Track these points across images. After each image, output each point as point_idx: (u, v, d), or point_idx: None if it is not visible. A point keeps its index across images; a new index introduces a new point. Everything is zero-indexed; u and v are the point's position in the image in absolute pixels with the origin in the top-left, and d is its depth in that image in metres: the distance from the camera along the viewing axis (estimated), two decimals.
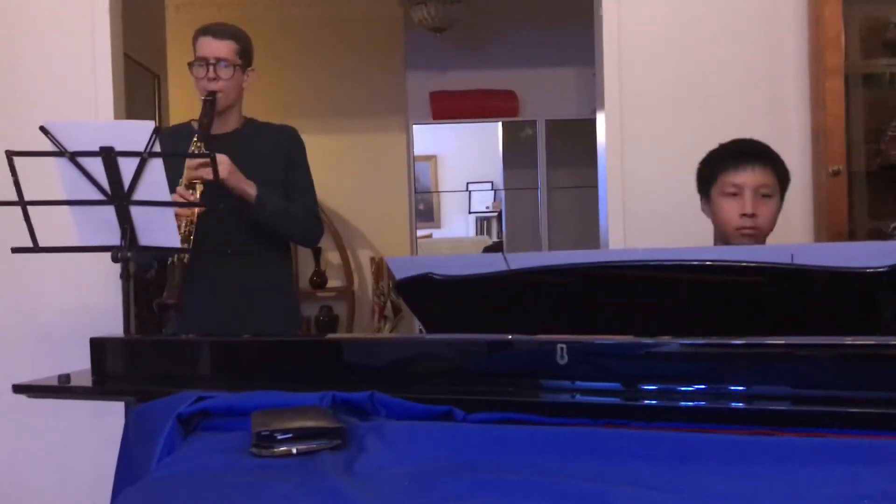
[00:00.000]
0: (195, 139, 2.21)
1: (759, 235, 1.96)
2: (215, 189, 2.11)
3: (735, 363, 1.22)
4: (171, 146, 2.21)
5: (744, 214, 1.93)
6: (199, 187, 2.13)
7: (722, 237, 2.01)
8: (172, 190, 2.04)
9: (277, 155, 2.42)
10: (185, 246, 2.11)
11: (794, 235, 2.73)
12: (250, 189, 2.26)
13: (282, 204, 2.36)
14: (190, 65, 2.33)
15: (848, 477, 0.94)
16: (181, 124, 2.50)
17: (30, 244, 1.87)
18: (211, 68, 2.28)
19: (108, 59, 2.74)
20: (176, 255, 2.10)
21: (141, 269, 3.13)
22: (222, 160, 2.18)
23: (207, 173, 2.09)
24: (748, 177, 1.94)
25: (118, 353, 1.70)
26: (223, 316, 2.34)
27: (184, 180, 2.14)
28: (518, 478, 1.00)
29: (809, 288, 1.38)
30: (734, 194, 1.95)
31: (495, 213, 5.73)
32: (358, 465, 1.07)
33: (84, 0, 2.75)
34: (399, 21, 5.45)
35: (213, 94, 2.27)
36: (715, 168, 2.00)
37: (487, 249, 5.60)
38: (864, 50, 2.77)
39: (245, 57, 2.36)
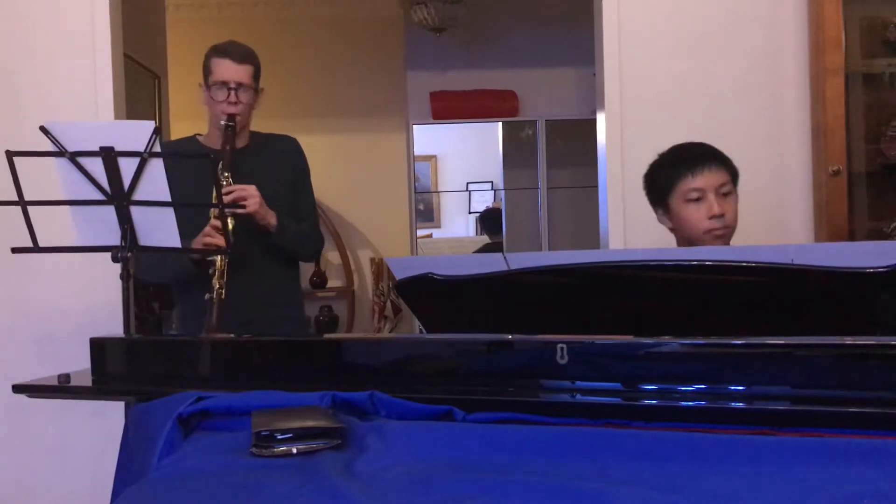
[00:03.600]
0: (220, 169, 2.21)
1: (728, 234, 1.97)
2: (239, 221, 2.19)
3: (735, 363, 1.22)
4: (184, 168, 2.20)
5: (713, 216, 1.93)
6: (231, 221, 2.16)
7: (690, 243, 1.99)
8: (190, 200, 2.10)
9: (285, 169, 2.47)
10: (195, 252, 2.16)
11: (794, 235, 2.73)
12: (272, 219, 2.31)
13: (298, 228, 2.42)
14: (205, 85, 2.35)
15: (848, 477, 0.94)
16: (185, 139, 2.51)
17: (30, 244, 1.86)
18: (232, 93, 2.30)
19: (108, 59, 2.74)
20: (214, 293, 2.14)
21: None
22: (253, 194, 2.23)
23: (245, 206, 2.20)
24: (707, 179, 1.93)
25: (118, 353, 1.70)
26: (234, 329, 2.32)
27: (214, 215, 2.17)
28: (518, 478, 1.00)
29: (809, 288, 1.38)
30: (697, 199, 1.94)
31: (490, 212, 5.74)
32: (358, 465, 1.07)
33: (84, 0, 2.75)
34: (399, 21, 5.46)
35: (233, 118, 2.29)
36: (669, 177, 1.99)
37: (483, 250, 5.60)
38: (864, 50, 2.77)
39: (258, 79, 2.39)
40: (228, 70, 2.31)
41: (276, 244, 2.37)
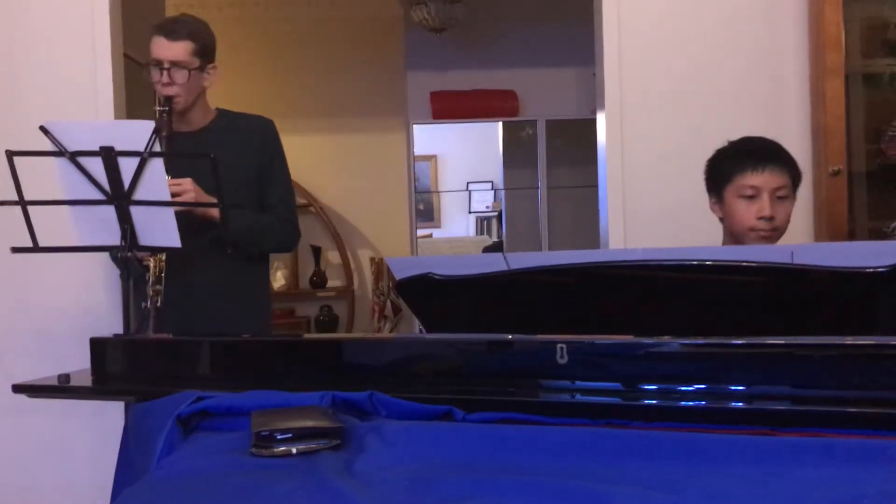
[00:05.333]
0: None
1: (774, 237, 1.95)
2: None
3: (735, 363, 1.22)
4: None
5: (761, 217, 1.91)
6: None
7: (734, 236, 1.98)
8: None
9: (249, 152, 2.32)
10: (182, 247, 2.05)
11: (794, 235, 2.73)
12: (213, 211, 2.08)
13: (253, 219, 2.28)
14: (145, 65, 2.25)
15: (848, 477, 0.94)
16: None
17: (30, 244, 1.86)
18: (165, 73, 2.18)
19: (108, 59, 2.74)
20: (149, 301, 1.96)
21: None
22: (187, 189, 2.07)
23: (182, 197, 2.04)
24: (766, 179, 1.92)
25: (118, 353, 1.70)
26: (193, 320, 2.23)
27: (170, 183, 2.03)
28: (518, 478, 1.00)
29: (809, 288, 1.38)
30: (751, 196, 1.92)
31: (495, 213, 5.74)
32: (358, 465, 1.07)
33: (84, 0, 2.75)
34: (399, 21, 5.46)
35: (168, 101, 2.17)
36: (730, 168, 1.97)
37: (487, 250, 5.61)
38: (864, 50, 2.77)
39: (204, 55, 2.24)
40: (162, 48, 2.19)
41: (224, 237, 2.07)
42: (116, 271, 1.91)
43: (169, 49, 2.20)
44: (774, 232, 1.94)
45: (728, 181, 1.97)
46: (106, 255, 2.32)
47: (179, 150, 2.15)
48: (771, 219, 1.91)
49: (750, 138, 2.02)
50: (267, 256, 2.52)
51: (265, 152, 2.37)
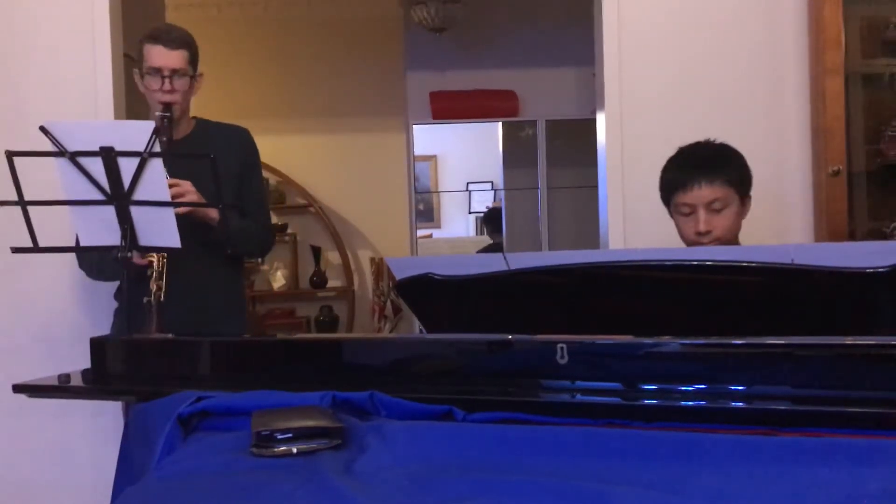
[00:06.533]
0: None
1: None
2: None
3: (735, 363, 1.22)
4: None
5: (698, 233, 1.94)
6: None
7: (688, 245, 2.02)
8: None
9: (231, 159, 2.36)
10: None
11: (794, 235, 2.73)
12: (213, 213, 2.18)
13: (241, 224, 2.34)
14: (139, 73, 2.28)
15: (848, 477, 0.94)
16: None
17: (30, 244, 1.86)
18: (166, 80, 2.23)
19: (108, 59, 2.74)
20: (153, 296, 1.98)
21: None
22: (188, 190, 2.12)
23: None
24: (697, 196, 1.93)
25: (118, 353, 1.70)
26: (173, 324, 2.26)
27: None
28: (518, 478, 1.00)
29: (809, 288, 1.38)
30: (688, 213, 1.96)
31: (481, 212, 5.73)
32: (358, 465, 1.07)
33: (84, 0, 2.75)
34: (399, 21, 5.46)
35: (168, 108, 2.22)
36: (668, 186, 2.01)
37: (486, 250, 5.60)
38: (864, 50, 2.77)
39: (195, 64, 2.32)
40: (161, 56, 2.24)
41: (216, 239, 2.19)
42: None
43: (169, 57, 2.25)
44: (715, 242, 1.95)
45: (668, 199, 2.02)
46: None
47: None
48: (708, 233, 1.93)
49: (687, 149, 2.03)
50: (242, 261, 2.56)
51: (245, 161, 2.44)
